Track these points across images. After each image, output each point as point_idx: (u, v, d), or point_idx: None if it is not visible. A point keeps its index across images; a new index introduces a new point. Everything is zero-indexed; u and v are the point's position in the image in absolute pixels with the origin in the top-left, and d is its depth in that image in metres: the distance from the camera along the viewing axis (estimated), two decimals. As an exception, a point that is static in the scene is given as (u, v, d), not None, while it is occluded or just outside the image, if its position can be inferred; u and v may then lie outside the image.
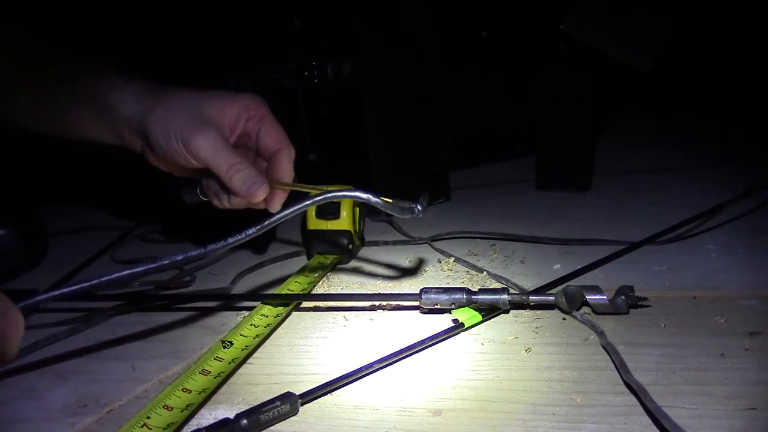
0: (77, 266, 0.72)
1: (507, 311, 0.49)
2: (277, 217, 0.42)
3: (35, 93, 0.53)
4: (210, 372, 0.41)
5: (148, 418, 0.36)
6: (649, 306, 0.47)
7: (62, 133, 0.54)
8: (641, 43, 0.77)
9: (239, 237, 0.41)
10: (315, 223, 0.66)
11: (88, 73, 0.52)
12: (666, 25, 0.78)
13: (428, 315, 0.51)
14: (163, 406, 0.37)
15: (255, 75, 0.84)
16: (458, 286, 0.52)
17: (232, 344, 0.45)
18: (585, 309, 0.48)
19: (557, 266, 0.58)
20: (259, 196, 0.49)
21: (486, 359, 0.43)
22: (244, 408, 0.37)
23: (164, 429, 0.35)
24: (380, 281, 0.59)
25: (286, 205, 0.47)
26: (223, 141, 0.49)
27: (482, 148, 1.07)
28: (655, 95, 1.37)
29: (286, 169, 0.51)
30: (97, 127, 0.53)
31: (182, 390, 0.39)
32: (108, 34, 0.82)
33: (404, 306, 0.52)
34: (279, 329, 0.51)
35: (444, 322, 0.48)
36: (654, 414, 0.33)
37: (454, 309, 0.49)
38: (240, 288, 0.62)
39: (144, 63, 0.85)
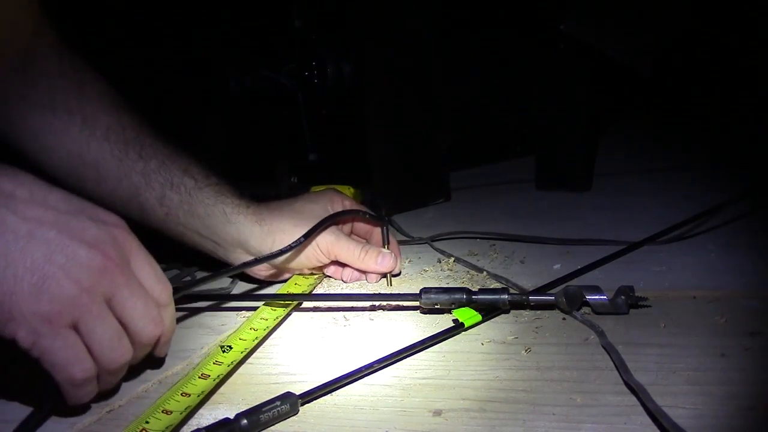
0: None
1: (507, 311, 0.49)
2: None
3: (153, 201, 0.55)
4: (209, 376, 0.41)
5: (147, 422, 0.36)
6: (649, 306, 0.47)
7: (149, 225, 0.56)
8: (641, 43, 0.77)
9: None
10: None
11: (210, 192, 0.55)
12: (666, 26, 0.78)
13: (428, 315, 0.51)
14: (162, 411, 0.37)
15: (255, 75, 0.84)
16: (458, 286, 0.52)
17: (231, 348, 0.45)
18: (585, 309, 0.48)
19: (557, 266, 0.58)
20: (392, 264, 0.57)
21: (486, 359, 0.43)
22: (244, 408, 0.37)
23: (163, 432, 0.35)
24: (380, 281, 0.59)
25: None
26: (342, 235, 0.57)
27: (482, 148, 1.07)
28: (655, 95, 1.36)
29: (392, 242, 0.59)
30: (200, 237, 0.57)
31: (181, 394, 0.39)
32: (107, 33, 0.83)
33: (404, 306, 0.52)
34: (279, 329, 0.51)
35: (444, 322, 0.48)
36: (654, 414, 0.33)
37: (454, 309, 0.49)
38: (240, 288, 0.62)
39: (143, 63, 0.85)
